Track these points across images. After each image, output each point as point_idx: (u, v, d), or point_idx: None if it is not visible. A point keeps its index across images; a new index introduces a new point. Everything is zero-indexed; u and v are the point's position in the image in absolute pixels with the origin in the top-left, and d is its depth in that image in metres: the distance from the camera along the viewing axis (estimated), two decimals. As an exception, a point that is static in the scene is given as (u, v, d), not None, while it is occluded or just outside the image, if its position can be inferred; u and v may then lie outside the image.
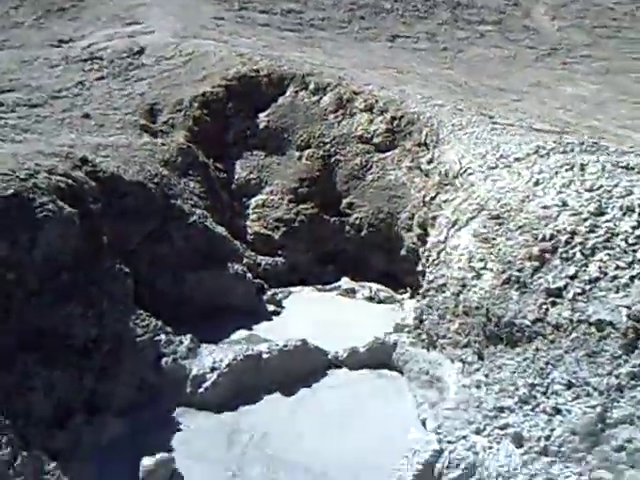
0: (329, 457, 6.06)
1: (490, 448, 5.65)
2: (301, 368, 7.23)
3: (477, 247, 6.87)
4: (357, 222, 10.03)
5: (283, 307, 8.95)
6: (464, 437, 5.80)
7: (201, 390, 6.80)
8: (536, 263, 6.24)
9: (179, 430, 6.39)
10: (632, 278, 5.63)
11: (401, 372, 7.40)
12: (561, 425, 5.46)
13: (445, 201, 8.16)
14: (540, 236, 6.31)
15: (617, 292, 5.64)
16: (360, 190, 10.16)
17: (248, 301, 8.64)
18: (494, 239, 6.76)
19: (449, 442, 5.80)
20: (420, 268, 8.31)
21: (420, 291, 7.82)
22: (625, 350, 5.33)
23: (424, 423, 6.39)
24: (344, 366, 7.51)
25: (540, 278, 6.11)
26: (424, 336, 7.30)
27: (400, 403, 6.90)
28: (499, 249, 6.62)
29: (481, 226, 7.00)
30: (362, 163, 10.20)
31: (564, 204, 6.50)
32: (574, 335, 5.66)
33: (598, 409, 5.35)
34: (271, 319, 8.58)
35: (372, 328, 8.01)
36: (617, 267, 5.80)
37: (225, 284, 8.45)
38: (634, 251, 5.87)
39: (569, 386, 5.57)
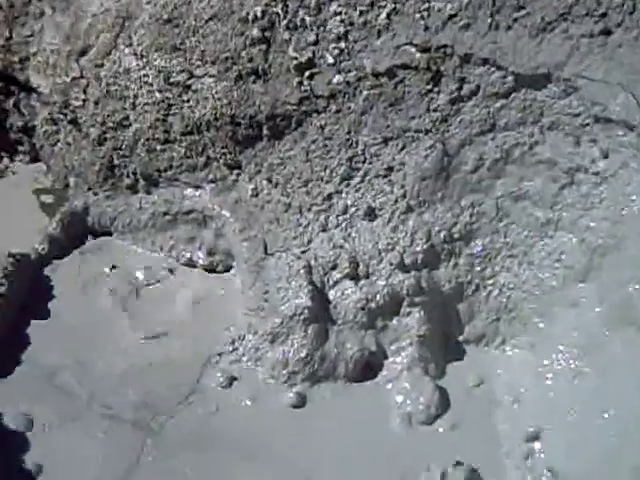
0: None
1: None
2: None
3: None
4: None
5: None
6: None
7: None
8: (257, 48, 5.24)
9: None
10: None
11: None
12: (408, 176, 5.03)
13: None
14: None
15: (388, 32, 4.94)
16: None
17: None
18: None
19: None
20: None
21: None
22: (430, 84, 4.91)
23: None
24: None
25: (278, 58, 5.29)
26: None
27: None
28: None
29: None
30: None
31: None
32: (364, 94, 5.04)
33: (437, 145, 4.96)
34: None
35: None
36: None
37: None
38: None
39: (385, 141, 5.07)
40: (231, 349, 5.11)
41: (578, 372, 4.46)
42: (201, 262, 5.81)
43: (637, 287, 4.30)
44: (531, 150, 4.83)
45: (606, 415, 4.11)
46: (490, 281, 5.01)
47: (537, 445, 4.39)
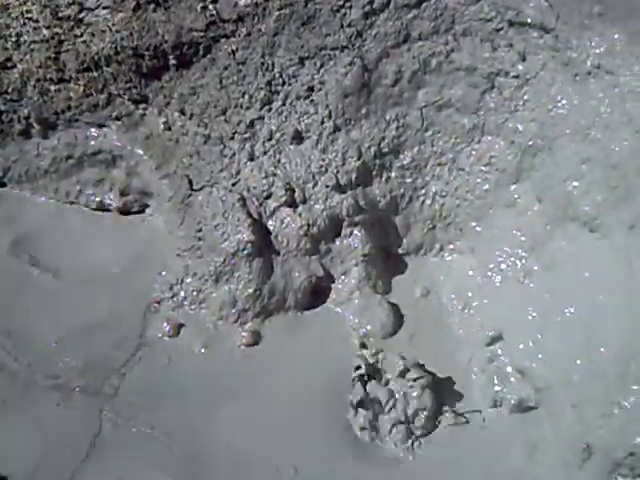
0: None
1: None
2: None
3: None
4: None
5: None
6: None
7: None
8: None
9: None
10: None
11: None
12: (331, 95, 5.05)
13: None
14: None
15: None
16: None
17: None
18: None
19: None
20: None
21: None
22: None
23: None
24: None
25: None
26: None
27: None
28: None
29: None
30: None
31: None
32: (275, 15, 4.87)
33: (356, 61, 4.98)
34: None
35: None
36: None
37: None
38: None
39: (302, 61, 5.04)
40: (171, 295, 5.11)
41: (527, 271, 4.79)
42: (114, 204, 5.63)
43: (575, 184, 4.61)
44: (448, 58, 5.02)
45: (565, 311, 4.43)
46: (422, 191, 5.25)
47: (500, 348, 4.72)
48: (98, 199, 5.65)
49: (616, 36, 4.46)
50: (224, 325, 4.99)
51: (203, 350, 4.92)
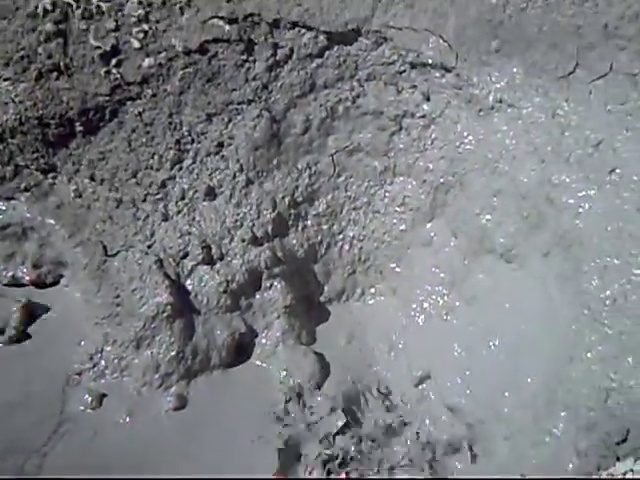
0: None
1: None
2: None
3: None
4: None
5: None
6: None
7: None
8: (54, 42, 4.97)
9: None
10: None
11: None
12: (241, 149, 5.13)
13: None
14: None
15: (190, 8, 4.99)
16: None
17: None
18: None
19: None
20: None
21: None
22: (245, 54, 4.89)
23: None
24: None
25: (79, 50, 4.96)
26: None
27: None
28: None
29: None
30: None
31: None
32: (179, 74, 4.93)
33: (263, 114, 5.08)
34: None
35: None
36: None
37: None
38: None
39: (210, 118, 5.12)
40: (91, 365, 4.99)
41: (449, 307, 4.87)
42: (27, 278, 5.48)
43: (488, 217, 4.73)
44: (354, 104, 5.15)
45: (490, 344, 4.46)
46: (340, 237, 5.33)
47: (428, 387, 4.73)
48: (10, 274, 5.49)
49: (515, 70, 4.69)
50: (148, 391, 4.88)
51: (128, 419, 4.78)
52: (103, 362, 4.94)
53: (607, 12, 4.45)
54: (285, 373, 4.97)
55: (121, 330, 4.95)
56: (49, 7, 4.86)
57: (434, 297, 4.98)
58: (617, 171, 4.23)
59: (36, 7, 4.88)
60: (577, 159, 4.38)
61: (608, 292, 4.05)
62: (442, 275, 4.98)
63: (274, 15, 4.87)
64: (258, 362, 5.10)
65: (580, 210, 4.30)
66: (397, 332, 5.05)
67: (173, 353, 4.89)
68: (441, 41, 4.79)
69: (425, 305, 5.00)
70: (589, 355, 4.00)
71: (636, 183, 4.16)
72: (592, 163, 4.33)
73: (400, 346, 5.00)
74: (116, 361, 4.92)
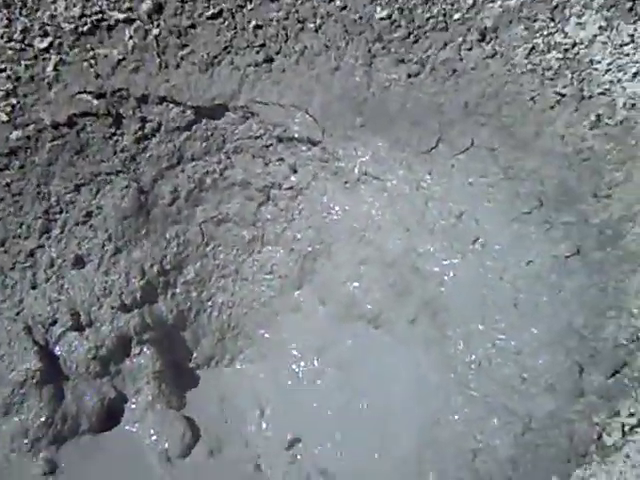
0: None
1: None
2: None
3: None
4: None
5: None
6: None
7: None
8: None
9: None
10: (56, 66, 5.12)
11: None
12: (109, 219, 5.20)
13: None
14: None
15: (58, 83, 5.08)
16: None
17: None
18: None
19: None
20: None
21: None
22: (113, 127, 5.02)
23: None
24: None
25: None
26: None
27: None
28: None
29: None
30: None
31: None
32: (47, 146, 4.99)
33: (131, 184, 5.19)
34: None
35: None
36: None
37: None
38: None
39: (78, 188, 5.17)
40: (-43, 436, 5.00)
41: (318, 372, 5.07)
42: None
43: (356, 284, 4.96)
44: (222, 175, 5.36)
45: (359, 407, 4.67)
46: (209, 303, 5.51)
47: (300, 450, 4.96)
48: None
49: (379, 144, 4.90)
50: (17, 457, 4.93)
51: (-5, 486, 4.88)
52: (-29, 432, 5.01)
53: (468, 90, 4.74)
54: (155, 437, 5.10)
55: (-11, 398, 5.03)
56: None
57: (303, 362, 5.19)
58: (480, 240, 4.49)
59: None
60: (441, 229, 4.63)
61: (473, 356, 4.30)
62: (311, 340, 5.19)
63: (142, 90, 5.02)
64: (127, 427, 5.21)
65: (445, 278, 4.54)
66: (267, 397, 5.23)
67: (42, 419, 4.96)
68: (307, 116, 5.01)
69: (295, 370, 5.19)
70: (456, 417, 4.24)
71: (498, 252, 4.42)
72: (455, 233, 4.59)
73: (270, 411, 5.18)
74: (-16, 429, 5.00)
